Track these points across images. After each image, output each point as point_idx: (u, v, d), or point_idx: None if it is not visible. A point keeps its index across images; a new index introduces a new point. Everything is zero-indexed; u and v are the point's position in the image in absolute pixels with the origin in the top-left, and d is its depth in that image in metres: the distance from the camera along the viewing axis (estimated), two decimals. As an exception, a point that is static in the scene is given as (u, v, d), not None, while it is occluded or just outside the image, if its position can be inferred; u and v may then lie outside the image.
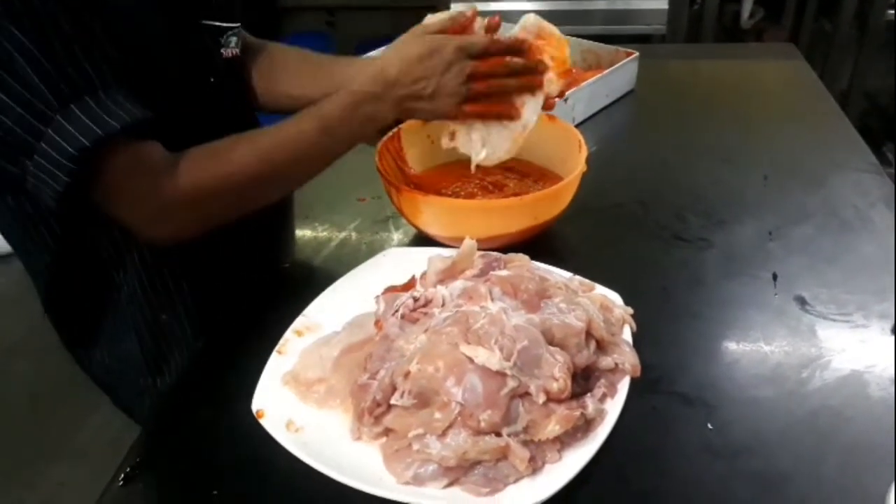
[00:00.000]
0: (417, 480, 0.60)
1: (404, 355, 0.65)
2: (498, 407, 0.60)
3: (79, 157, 0.67)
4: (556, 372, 0.62)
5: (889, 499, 0.53)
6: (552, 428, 0.60)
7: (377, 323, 0.72)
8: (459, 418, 0.60)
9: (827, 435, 0.66)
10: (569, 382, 0.61)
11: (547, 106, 0.88)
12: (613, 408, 0.65)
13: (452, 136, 0.87)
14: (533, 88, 0.85)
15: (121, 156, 0.71)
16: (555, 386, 0.61)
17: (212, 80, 0.87)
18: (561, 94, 0.88)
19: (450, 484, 0.60)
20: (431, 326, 0.66)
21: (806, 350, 0.75)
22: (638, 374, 0.68)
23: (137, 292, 0.88)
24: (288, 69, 1.00)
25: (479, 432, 0.60)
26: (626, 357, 0.68)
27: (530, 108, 0.85)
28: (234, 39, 0.90)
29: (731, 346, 0.77)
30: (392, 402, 0.62)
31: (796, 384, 0.71)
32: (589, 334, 0.67)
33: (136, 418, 0.99)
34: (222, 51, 0.88)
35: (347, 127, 0.81)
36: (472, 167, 0.88)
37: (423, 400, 0.61)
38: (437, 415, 0.61)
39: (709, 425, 0.67)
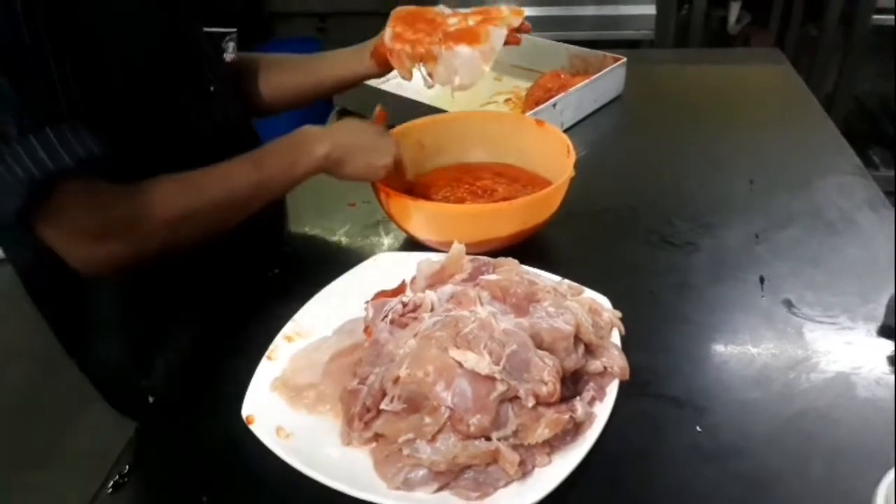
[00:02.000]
0: (408, 485, 0.60)
1: (394, 360, 0.65)
2: (487, 411, 0.60)
3: (29, 187, 0.67)
4: (545, 376, 0.62)
5: (876, 499, 0.54)
6: (542, 432, 0.60)
7: (367, 328, 0.72)
8: (449, 423, 0.60)
9: (814, 436, 0.67)
10: (558, 386, 0.62)
11: (512, 41, 0.90)
12: (602, 411, 0.65)
13: (430, 76, 0.92)
14: None
15: (69, 187, 0.71)
16: (544, 390, 0.61)
17: (212, 88, 0.88)
18: (524, 27, 0.92)
19: (440, 488, 0.60)
20: (421, 331, 0.66)
21: (793, 352, 0.76)
22: (627, 377, 0.68)
23: (123, 297, 0.87)
24: (282, 67, 1.04)
25: (468, 437, 0.60)
26: (614, 360, 0.69)
27: (495, 35, 0.90)
28: (231, 45, 0.91)
29: (720, 348, 0.78)
30: (382, 407, 0.62)
31: (784, 386, 0.72)
32: (577, 338, 0.67)
33: (128, 415, 0.98)
34: (224, 56, 0.89)
35: (279, 157, 0.83)
36: (452, 94, 0.95)
37: (413, 405, 0.62)
38: (427, 419, 0.61)
39: (698, 428, 0.68)
